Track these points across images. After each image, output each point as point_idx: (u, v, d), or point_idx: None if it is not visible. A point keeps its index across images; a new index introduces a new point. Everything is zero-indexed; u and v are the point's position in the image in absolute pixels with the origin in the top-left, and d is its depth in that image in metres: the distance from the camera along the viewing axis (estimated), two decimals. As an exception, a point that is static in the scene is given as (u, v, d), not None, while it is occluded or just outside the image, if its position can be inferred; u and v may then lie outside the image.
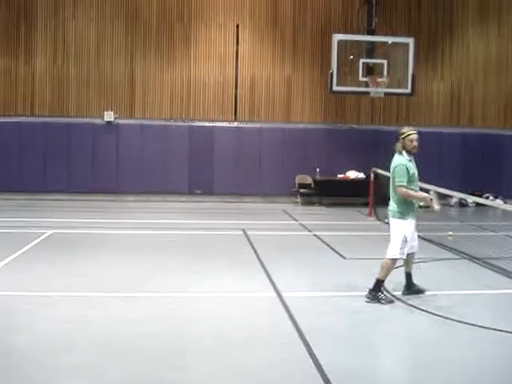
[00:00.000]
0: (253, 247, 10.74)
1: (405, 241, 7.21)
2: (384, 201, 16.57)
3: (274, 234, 12.64)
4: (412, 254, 7.51)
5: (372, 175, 15.82)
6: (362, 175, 17.95)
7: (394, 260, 7.32)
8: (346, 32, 16.89)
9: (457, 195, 7.77)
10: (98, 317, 6.47)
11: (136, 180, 18.31)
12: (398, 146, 7.33)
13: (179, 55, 18.71)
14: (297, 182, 18.48)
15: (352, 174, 18.32)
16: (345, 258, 10.09)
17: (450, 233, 11.67)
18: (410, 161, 7.32)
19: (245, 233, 12.24)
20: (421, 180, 7.76)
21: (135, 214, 15.12)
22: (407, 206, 7.28)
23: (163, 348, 5.58)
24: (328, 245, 11.19)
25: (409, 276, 7.62)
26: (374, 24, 17.07)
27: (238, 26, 18.81)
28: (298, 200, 18.13)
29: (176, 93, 18.78)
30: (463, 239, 11.02)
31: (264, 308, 7.12)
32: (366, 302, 7.21)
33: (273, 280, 8.27)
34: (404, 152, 7.29)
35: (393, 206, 7.36)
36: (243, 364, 5.26)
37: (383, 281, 7.29)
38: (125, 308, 6.84)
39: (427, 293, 7.61)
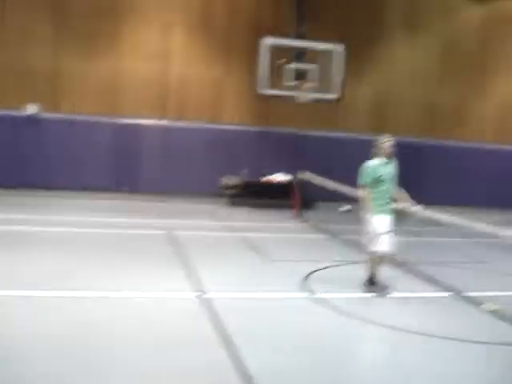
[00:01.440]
0: (178, 247, 10.67)
1: (381, 236, 7.92)
2: (308, 204, 17.22)
3: (200, 234, 12.59)
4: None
5: (297, 178, 16.08)
6: (289, 178, 18.13)
7: (376, 253, 8.03)
8: (276, 36, 17.00)
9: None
10: (17, 318, 6.26)
11: (61, 176, 17.83)
12: (373, 151, 8.19)
13: (107, 51, 18.36)
14: (224, 182, 18.48)
15: (279, 177, 18.48)
16: (270, 258, 10.17)
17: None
18: (386, 163, 8.14)
19: (170, 232, 12.15)
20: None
21: (59, 211, 14.67)
22: (376, 203, 8.00)
23: (86, 353, 5.41)
24: (253, 246, 11.26)
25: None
26: (304, 29, 17.32)
27: (168, 23, 18.64)
28: (225, 201, 18.13)
29: (103, 89, 18.40)
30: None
31: (187, 309, 7.03)
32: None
33: (198, 281, 8.24)
34: (379, 157, 8.12)
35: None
36: (165, 368, 5.16)
37: (374, 274, 8.10)
38: (45, 310, 6.61)
39: (354, 295, 7.95)
